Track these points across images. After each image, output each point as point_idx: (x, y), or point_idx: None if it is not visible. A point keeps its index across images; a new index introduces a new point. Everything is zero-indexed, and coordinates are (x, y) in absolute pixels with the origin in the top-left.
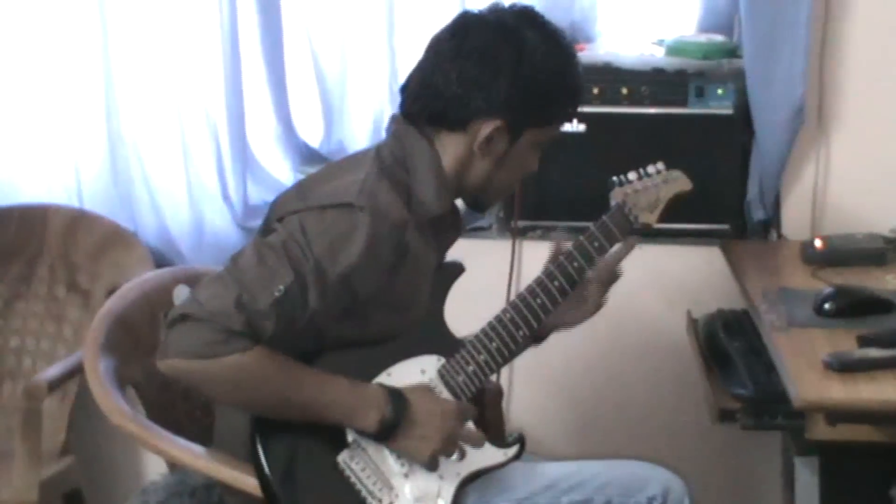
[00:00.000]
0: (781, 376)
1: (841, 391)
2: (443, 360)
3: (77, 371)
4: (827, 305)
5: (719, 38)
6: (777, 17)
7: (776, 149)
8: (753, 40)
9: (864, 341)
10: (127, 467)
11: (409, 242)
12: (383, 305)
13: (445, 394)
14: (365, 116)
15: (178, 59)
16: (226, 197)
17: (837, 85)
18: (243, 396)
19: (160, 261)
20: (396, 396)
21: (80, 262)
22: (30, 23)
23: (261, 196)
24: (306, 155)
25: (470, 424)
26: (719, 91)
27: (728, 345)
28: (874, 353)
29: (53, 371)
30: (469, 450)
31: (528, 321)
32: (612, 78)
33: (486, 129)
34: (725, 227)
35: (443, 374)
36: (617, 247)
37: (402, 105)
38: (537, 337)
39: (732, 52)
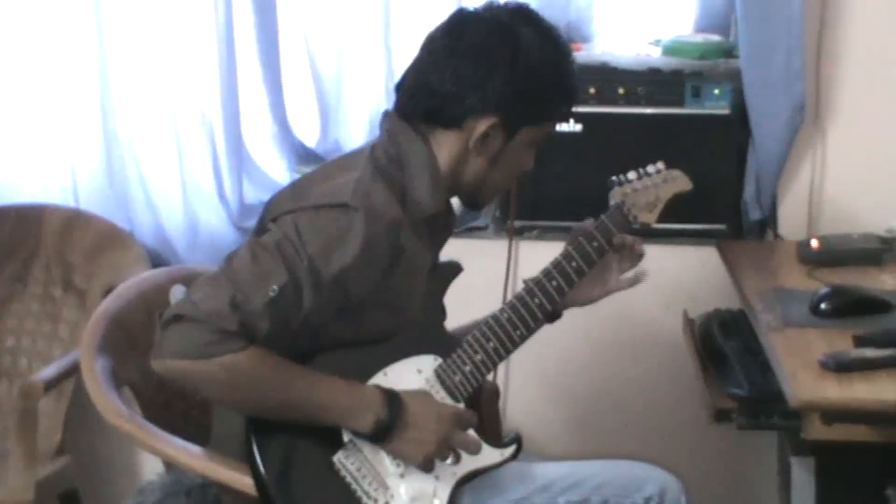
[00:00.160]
0: (777, 376)
1: (837, 391)
2: (439, 360)
3: (73, 371)
4: (823, 305)
5: (716, 38)
6: (772, 17)
7: (773, 149)
8: (749, 40)
9: (860, 341)
10: (123, 467)
11: (404, 242)
12: (379, 305)
13: (442, 393)
14: (361, 116)
15: (174, 58)
16: (222, 197)
17: (834, 85)
18: (238, 397)
19: (156, 260)
20: (392, 398)
21: (76, 262)
22: (26, 23)
23: (257, 196)
24: (302, 155)
25: (469, 431)
26: (716, 91)
27: (724, 345)
28: (870, 353)
29: (49, 371)
30: (465, 454)
31: (526, 321)
32: (609, 78)
33: (482, 126)
34: (722, 226)
35: (439, 374)
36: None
37: (397, 103)
38: (554, 314)
39: (729, 52)
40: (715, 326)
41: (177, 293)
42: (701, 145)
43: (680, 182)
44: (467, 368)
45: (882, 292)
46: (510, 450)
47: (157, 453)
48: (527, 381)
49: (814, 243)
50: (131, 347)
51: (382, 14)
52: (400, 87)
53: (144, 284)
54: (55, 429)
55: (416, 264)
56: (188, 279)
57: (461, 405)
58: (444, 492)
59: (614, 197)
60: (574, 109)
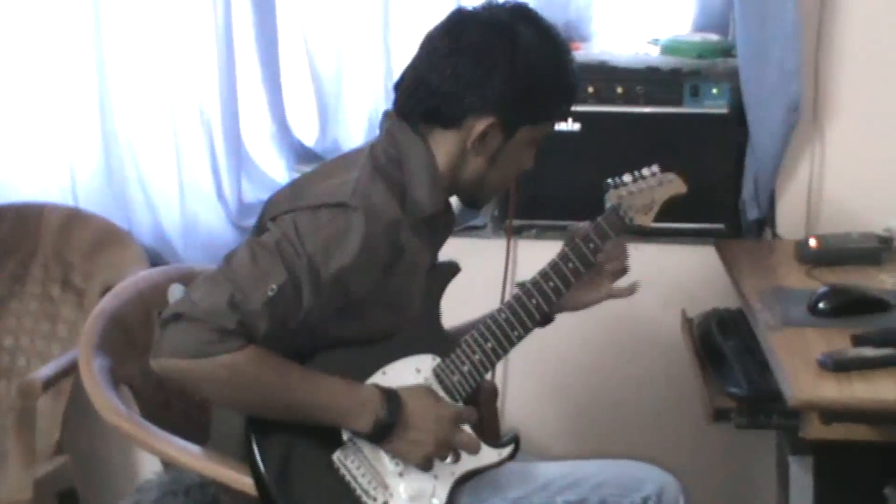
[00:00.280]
0: (776, 375)
1: (835, 390)
2: (438, 360)
3: (71, 370)
4: (821, 304)
5: (714, 37)
6: (770, 16)
7: (771, 148)
8: (747, 39)
9: (858, 340)
10: (121, 466)
11: (404, 242)
12: (378, 305)
13: (441, 393)
14: (360, 115)
15: (173, 57)
16: (220, 196)
17: (832, 84)
18: (237, 396)
19: (155, 259)
20: (391, 398)
21: (74, 261)
22: (24, 22)
23: (255, 195)
24: (301, 154)
25: (468, 429)
26: (714, 90)
27: (723, 344)
28: (868, 352)
29: (48, 370)
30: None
31: (524, 321)
32: (607, 77)
33: (480, 126)
34: (720, 226)
35: (438, 374)
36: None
37: (396, 102)
38: (546, 319)
39: (727, 51)
40: (713, 326)
41: (175, 292)
42: (699, 144)
43: (675, 185)
44: (465, 368)
45: (880, 291)
46: (508, 449)
47: (155, 452)
48: (525, 380)
49: (812, 243)
50: (130, 346)
51: (381, 13)
52: (398, 87)
53: (143, 283)
54: (53, 428)
55: (415, 264)
56: (187, 278)
57: (460, 405)
58: (443, 491)
59: (610, 199)
60: (573, 108)
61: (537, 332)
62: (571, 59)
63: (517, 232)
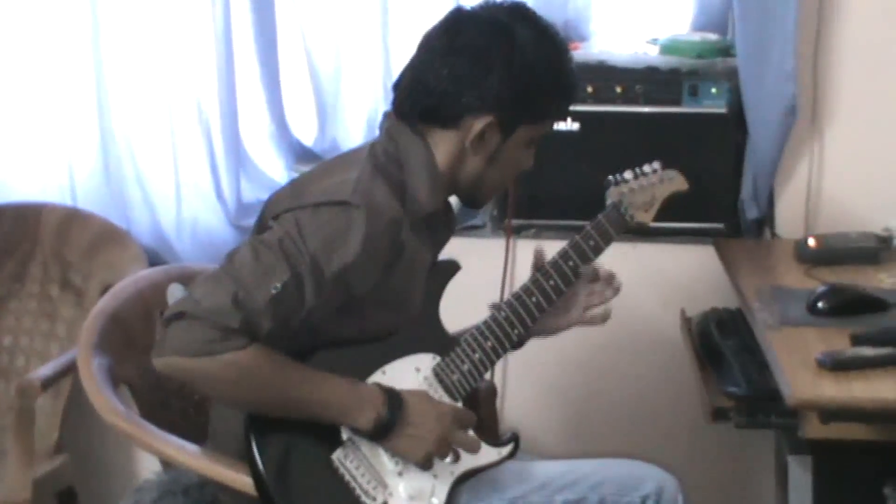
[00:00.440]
0: (775, 375)
1: (834, 389)
2: (438, 359)
3: (70, 369)
4: (820, 304)
5: (713, 36)
6: (769, 15)
7: (770, 147)
8: (746, 39)
9: (857, 340)
10: (120, 466)
11: (405, 240)
12: (379, 303)
13: (440, 392)
14: (359, 115)
15: (171, 57)
16: (219, 195)
17: (831, 83)
18: (239, 394)
19: (153, 259)
20: (392, 396)
21: (73, 261)
22: (22, 22)
23: (254, 194)
24: (300, 153)
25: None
26: (713, 90)
27: (722, 343)
28: (867, 351)
29: (46, 369)
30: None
31: (523, 319)
32: (606, 77)
33: (479, 125)
34: (719, 225)
35: (438, 373)
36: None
37: (395, 102)
38: (519, 342)
39: (726, 50)
40: (712, 325)
41: (174, 292)
42: (698, 144)
43: (676, 182)
44: (465, 367)
45: (879, 291)
46: (507, 448)
47: (154, 452)
48: (524, 379)
49: (811, 242)
50: (129, 346)
51: (380, 13)
52: (397, 87)
53: (142, 283)
54: (52, 427)
55: (415, 262)
56: (185, 278)
57: (459, 404)
58: (442, 490)
59: (611, 196)
60: (572, 108)
61: None
62: (569, 59)
63: (516, 231)
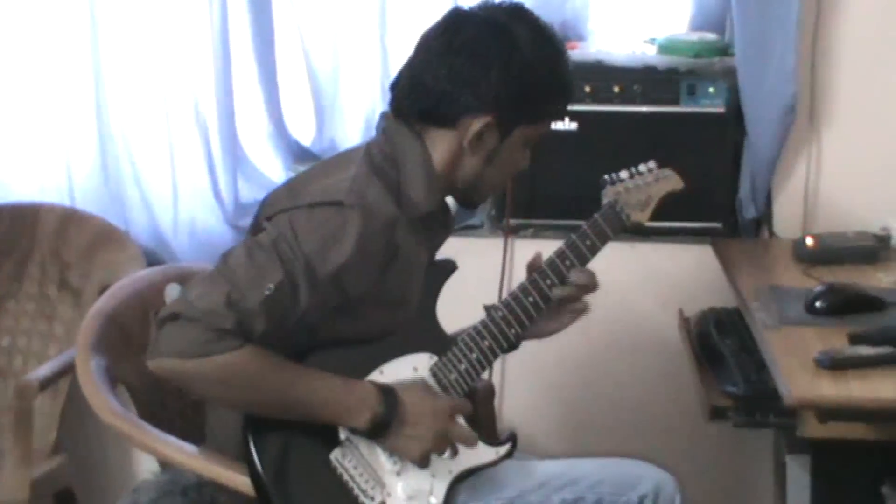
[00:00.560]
0: (773, 374)
1: (832, 389)
2: (435, 359)
3: (68, 370)
4: (818, 303)
5: (711, 36)
6: (768, 15)
7: (768, 147)
8: (745, 38)
9: (854, 339)
10: (118, 466)
11: (400, 240)
12: (375, 303)
13: (438, 392)
14: (357, 115)
15: (169, 57)
16: (217, 195)
17: (829, 83)
18: (234, 395)
19: (152, 259)
20: (388, 394)
21: (71, 261)
22: (20, 22)
23: (252, 194)
24: (298, 153)
25: (462, 423)
26: (711, 89)
27: (720, 343)
28: (865, 350)
29: (44, 370)
30: (461, 448)
31: (521, 319)
32: (604, 76)
33: (476, 125)
34: (717, 225)
35: (435, 373)
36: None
37: (392, 102)
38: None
39: (724, 50)
40: (711, 325)
41: (172, 292)
42: (696, 143)
43: (672, 181)
44: (463, 367)
45: (877, 290)
46: (505, 448)
47: (152, 452)
48: (522, 379)
49: (809, 241)
50: (127, 346)
51: (378, 12)
52: (395, 87)
53: (140, 283)
54: (50, 428)
55: (411, 262)
56: (183, 278)
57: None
58: (441, 489)
59: (607, 196)
60: (569, 108)
61: None
62: (567, 59)
63: (514, 231)
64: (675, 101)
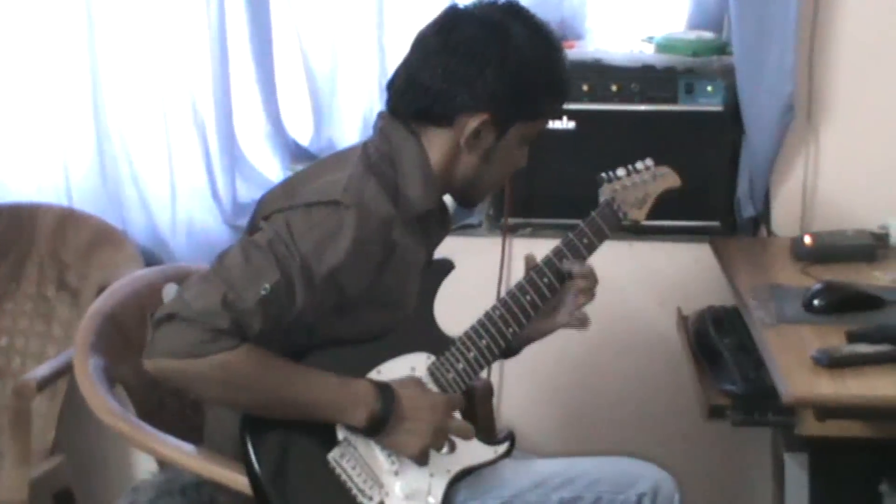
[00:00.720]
0: (771, 372)
1: (830, 387)
2: (433, 358)
3: (66, 370)
4: (816, 301)
5: (709, 35)
6: (766, 14)
7: (766, 145)
8: (743, 37)
9: (852, 337)
10: (117, 466)
11: (397, 239)
12: (372, 303)
13: (435, 391)
14: (354, 114)
15: (167, 57)
16: (215, 195)
17: (827, 82)
18: (231, 395)
19: (150, 259)
20: (385, 391)
21: (69, 261)
22: (18, 22)
23: (250, 194)
24: (296, 153)
25: (458, 416)
26: (709, 88)
27: (718, 341)
28: (863, 348)
29: (43, 370)
30: (459, 447)
31: (518, 318)
32: (602, 75)
33: (473, 123)
34: (715, 223)
35: (433, 372)
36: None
37: (389, 101)
38: (510, 350)
39: (722, 49)
40: (709, 323)
41: (170, 292)
42: (694, 142)
43: (669, 179)
44: (460, 366)
45: (875, 288)
46: (503, 447)
47: (150, 452)
48: (520, 378)
49: (807, 240)
50: (125, 346)
51: (376, 12)
52: (391, 86)
53: (138, 283)
54: (49, 428)
55: (408, 261)
56: (182, 278)
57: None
58: (439, 489)
59: (604, 194)
60: (567, 107)
61: None
62: (563, 57)
63: (512, 230)
64: (673, 100)
